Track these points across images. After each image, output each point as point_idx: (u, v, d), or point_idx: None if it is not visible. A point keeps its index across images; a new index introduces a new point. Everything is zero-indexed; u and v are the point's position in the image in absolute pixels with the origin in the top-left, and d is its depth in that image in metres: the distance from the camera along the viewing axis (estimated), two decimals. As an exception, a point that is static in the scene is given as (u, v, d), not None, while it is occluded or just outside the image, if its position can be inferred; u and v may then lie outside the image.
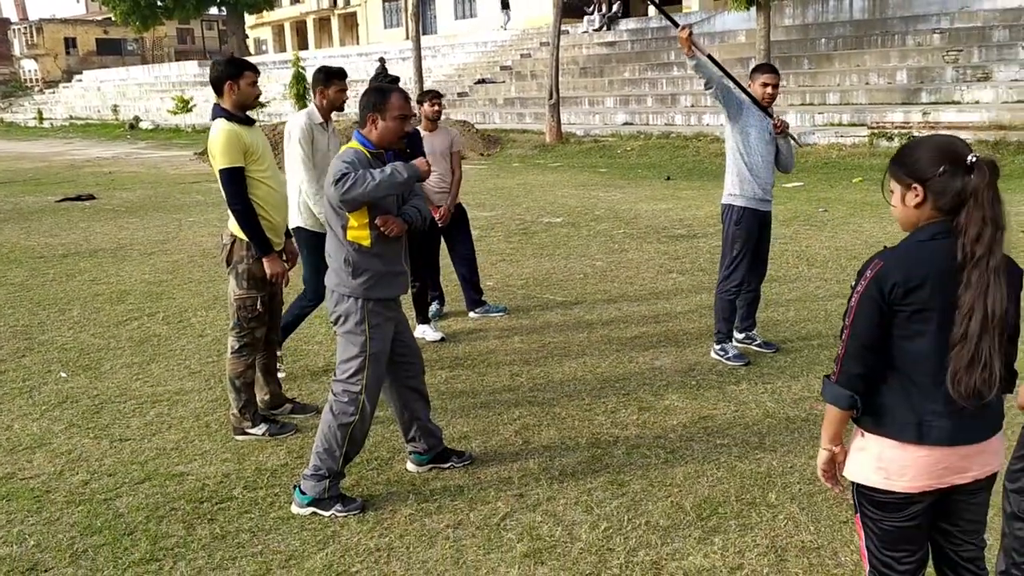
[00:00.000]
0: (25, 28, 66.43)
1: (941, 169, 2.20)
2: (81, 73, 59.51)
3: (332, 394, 3.85)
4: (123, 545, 3.60)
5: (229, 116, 4.46)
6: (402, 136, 3.80)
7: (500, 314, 6.92)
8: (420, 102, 6.63)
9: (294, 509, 3.84)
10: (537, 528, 3.64)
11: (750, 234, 5.58)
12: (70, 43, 65.68)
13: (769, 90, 5.47)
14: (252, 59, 47.84)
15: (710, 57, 5.52)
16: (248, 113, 4.59)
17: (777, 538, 3.51)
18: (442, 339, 6.28)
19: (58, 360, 6.12)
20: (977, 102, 18.22)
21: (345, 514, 3.77)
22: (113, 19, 53.17)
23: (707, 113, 21.21)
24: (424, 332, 6.25)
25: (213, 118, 4.52)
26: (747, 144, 5.50)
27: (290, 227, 5.06)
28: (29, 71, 64.79)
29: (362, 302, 3.77)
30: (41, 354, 6.26)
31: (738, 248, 5.60)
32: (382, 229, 3.72)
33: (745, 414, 4.81)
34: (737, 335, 5.97)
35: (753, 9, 18.11)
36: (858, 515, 2.48)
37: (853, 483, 2.44)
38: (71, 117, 46.18)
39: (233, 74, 4.46)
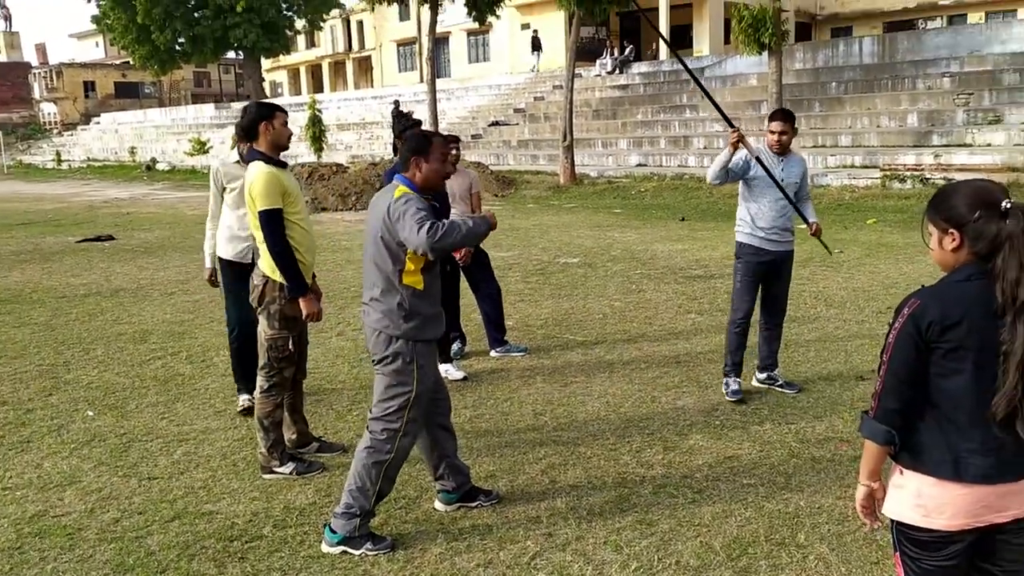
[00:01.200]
0: (45, 72, 67.64)
1: (977, 215, 2.25)
2: (99, 116, 60.45)
3: (369, 432, 3.88)
4: (156, 583, 3.62)
5: (267, 159, 4.55)
6: (444, 177, 3.90)
7: (521, 354, 6.96)
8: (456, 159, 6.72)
9: (324, 548, 3.86)
10: (567, 568, 3.65)
11: (748, 267, 5.72)
12: (89, 87, 66.78)
13: (775, 137, 5.58)
14: (267, 102, 48.48)
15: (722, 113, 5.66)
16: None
17: (809, 579, 3.50)
18: (464, 378, 6.32)
19: (84, 399, 6.18)
20: (989, 145, 18.32)
21: (376, 553, 3.79)
22: (132, 63, 54.14)
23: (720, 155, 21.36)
24: (447, 371, 6.29)
25: (248, 160, 4.62)
26: (751, 191, 5.69)
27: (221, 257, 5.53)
28: (48, 114, 65.86)
29: (412, 344, 3.82)
30: (68, 393, 6.33)
31: (737, 280, 5.80)
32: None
33: (770, 454, 4.81)
34: (759, 375, 6.00)
35: (764, 53, 18.32)
36: (897, 553, 2.49)
37: (892, 521, 2.46)
38: (89, 159, 46.83)
39: (266, 115, 4.58)
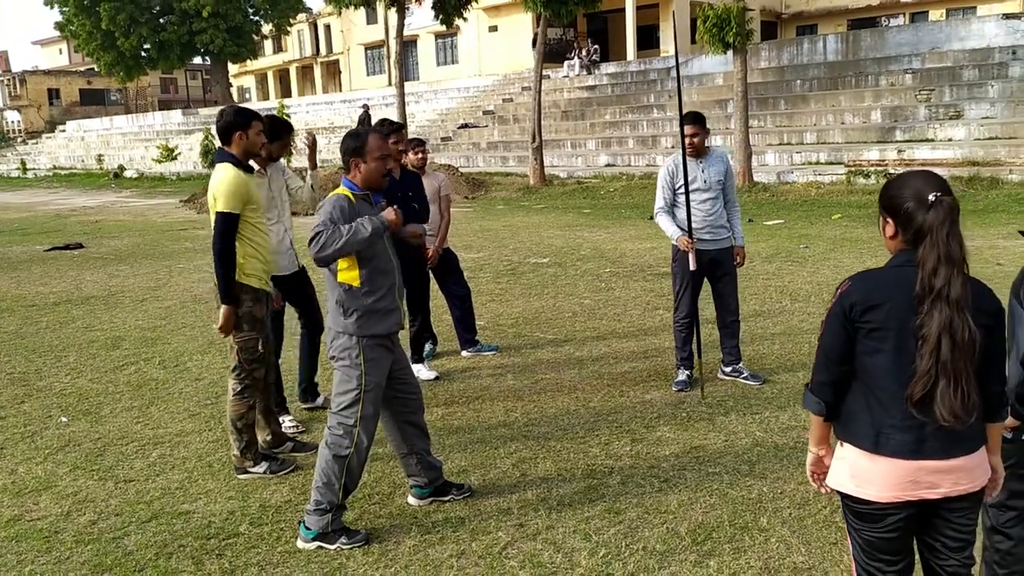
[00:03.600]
0: (8, 80, 66.73)
1: (906, 205, 2.39)
2: (64, 123, 59.77)
3: (328, 428, 3.98)
4: (134, 581, 3.68)
5: (235, 162, 4.61)
6: (385, 175, 3.99)
7: (492, 352, 7.06)
8: (404, 151, 6.75)
9: (300, 544, 3.93)
10: (538, 556, 3.75)
11: (685, 270, 5.92)
12: (53, 94, 65.99)
13: (687, 140, 5.79)
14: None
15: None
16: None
17: (770, 560, 3.64)
18: (436, 378, 6.41)
19: (57, 405, 6.19)
20: (950, 140, 18.71)
21: (350, 546, 3.87)
22: (97, 70, 53.62)
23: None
24: (419, 371, 6.36)
25: (215, 162, 4.67)
26: (676, 200, 5.92)
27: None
28: (12, 122, 64.99)
29: (356, 339, 3.92)
30: (40, 400, 6.34)
31: (677, 283, 6.06)
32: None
33: (735, 443, 4.95)
34: (724, 368, 6.16)
35: (730, 53, 18.57)
36: (847, 526, 2.63)
37: (837, 492, 2.59)
38: (55, 167, 46.33)
39: (242, 124, 4.62)
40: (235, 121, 4.62)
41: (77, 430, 5.66)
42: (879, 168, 17.74)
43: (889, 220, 2.45)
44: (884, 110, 20.98)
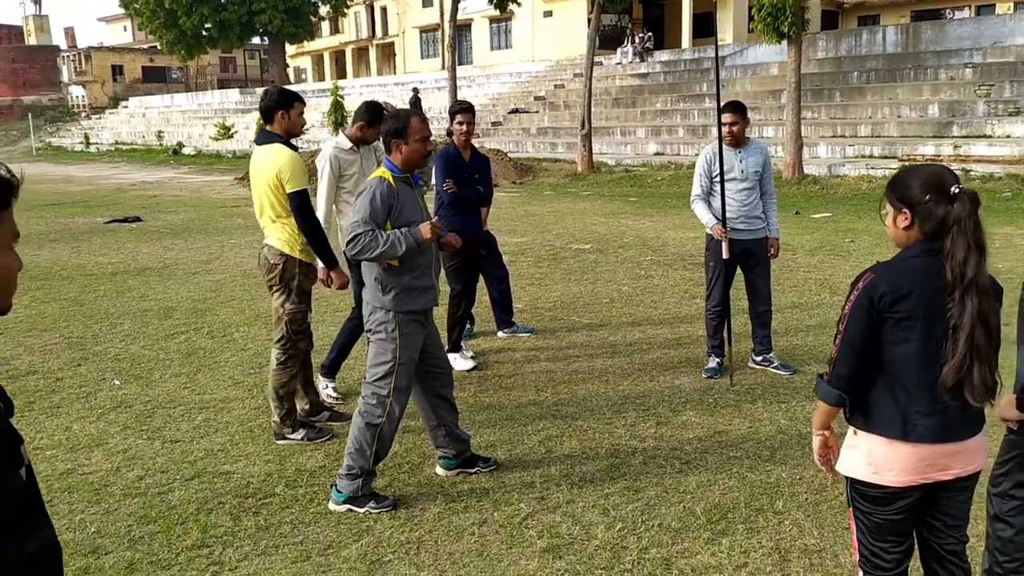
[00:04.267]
0: (74, 56, 68.41)
1: (928, 197, 2.47)
2: (127, 100, 61.14)
3: (362, 398, 4.17)
4: (176, 533, 3.92)
5: (284, 142, 4.81)
6: (426, 156, 4.14)
7: (528, 335, 7.20)
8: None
9: (331, 506, 4.14)
10: (556, 527, 3.91)
11: (718, 258, 5.98)
12: (117, 71, 67.47)
13: (726, 129, 5.87)
14: (292, 88, 48.87)
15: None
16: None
17: (782, 541, 3.74)
18: (474, 367, 6.33)
19: (111, 369, 6.50)
20: (1008, 136, 18.29)
21: (379, 511, 4.07)
22: (159, 48, 54.72)
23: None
24: (455, 360, 6.23)
25: (263, 142, 4.86)
26: (713, 187, 5.97)
27: None
28: (77, 97, 66.62)
29: (393, 314, 4.10)
30: (95, 363, 6.66)
31: (710, 272, 6.11)
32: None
33: (759, 430, 5.04)
34: (755, 357, 6.23)
35: (785, 42, 18.36)
36: (851, 509, 2.73)
37: (847, 478, 2.69)
38: (116, 142, 47.48)
39: (285, 104, 4.82)
40: (279, 101, 4.81)
41: (129, 393, 5.95)
42: (934, 163, 17.44)
43: (905, 211, 2.53)
44: (942, 104, 20.56)
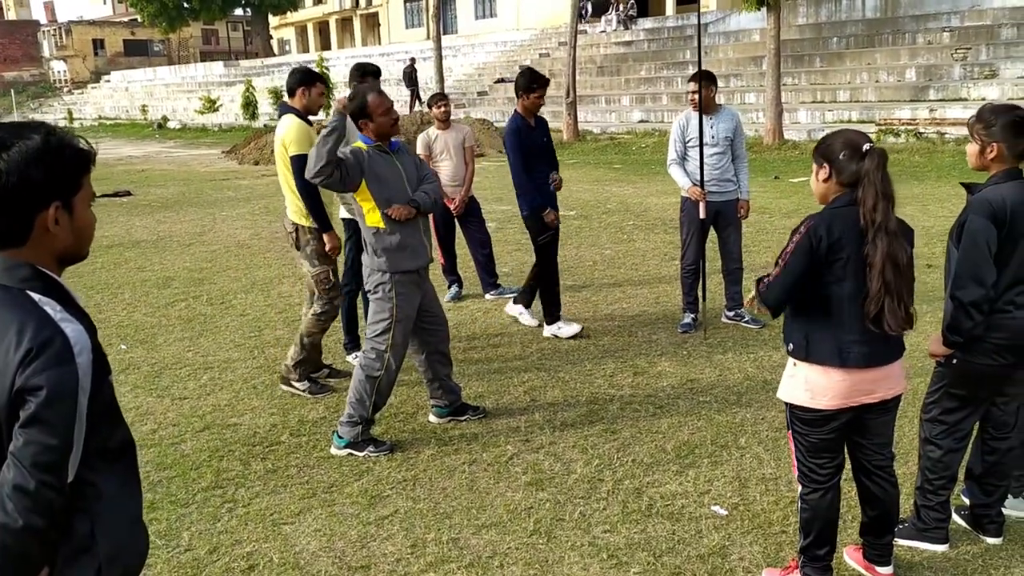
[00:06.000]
0: (54, 30, 67.81)
1: (843, 154, 2.84)
2: (109, 74, 60.78)
3: (362, 352, 4.53)
4: (191, 477, 4.29)
5: (297, 113, 5.18)
6: (393, 124, 4.44)
7: (512, 295, 7.55)
8: (429, 105, 7.37)
9: (333, 451, 4.51)
10: (539, 464, 4.29)
11: (691, 220, 6.34)
12: (98, 44, 66.96)
13: (689, 96, 6.24)
14: (275, 60, 48.75)
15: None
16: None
17: (742, 471, 4.14)
18: (578, 333, 6.43)
19: (116, 335, 6.83)
20: (983, 99, 18.62)
21: (377, 454, 4.44)
22: (140, 21, 54.34)
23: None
24: (560, 328, 6.39)
25: (281, 115, 5.25)
26: (687, 153, 6.34)
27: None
28: (58, 72, 66.14)
29: (388, 275, 4.44)
30: (101, 330, 6.85)
31: (684, 232, 6.46)
32: (391, 216, 4.37)
33: (727, 377, 5.43)
34: (727, 313, 6.61)
35: (764, 9, 18.60)
36: (790, 431, 3.11)
37: (786, 404, 3.07)
38: (100, 117, 47.34)
39: (307, 82, 5.22)
40: (301, 79, 5.21)
41: (135, 356, 6.29)
42: (910, 127, 17.80)
43: (825, 166, 2.90)
44: (919, 69, 20.88)
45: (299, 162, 5.04)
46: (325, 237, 5.23)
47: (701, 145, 6.15)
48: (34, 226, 1.74)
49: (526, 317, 6.81)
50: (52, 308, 1.70)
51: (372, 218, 4.44)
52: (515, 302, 6.91)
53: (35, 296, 1.71)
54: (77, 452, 1.69)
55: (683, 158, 6.35)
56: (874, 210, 2.79)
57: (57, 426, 1.64)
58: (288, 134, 5.11)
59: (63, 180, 1.77)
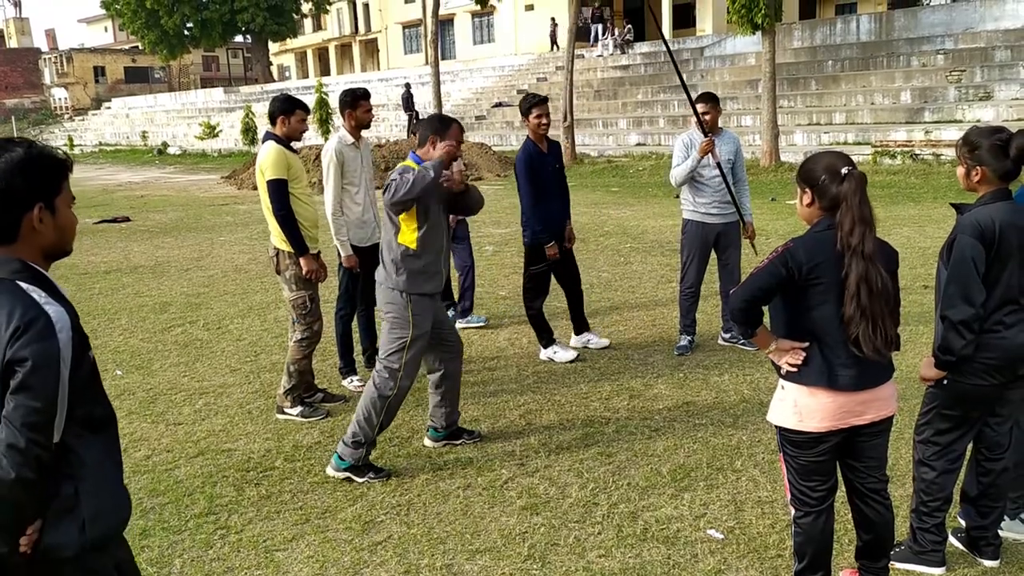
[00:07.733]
0: (55, 57, 68.24)
1: (823, 178, 2.85)
2: (110, 101, 61.13)
3: (375, 371, 4.52)
4: (184, 503, 4.27)
5: (277, 140, 5.24)
6: (452, 161, 4.43)
7: (482, 324, 7.49)
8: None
9: (329, 471, 4.48)
10: (534, 488, 4.27)
11: (693, 242, 6.37)
12: (99, 72, 67.37)
13: (706, 117, 6.22)
14: (275, 85, 49.05)
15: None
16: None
17: (738, 494, 4.12)
18: (607, 346, 6.69)
19: (112, 361, 6.82)
20: (978, 121, 18.72)
21: (376, 481, 4.41)
22: (141, 48, 54.73)
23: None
24: (590, 340, 6.68)
25: (263, 141, 5.33)
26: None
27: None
28: (59, 99, 66.49)
29: (405, 295, 4.45)
30: (97, 355, 6.81)
31: (685, 254, 6.46)
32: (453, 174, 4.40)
33: (724, 400, 5.42)
34: (724, 335, 6.60)
35: (759, 33, 18.75)
36: (781, 454, 3.10)
37: (776, 427, 3.06)
38: (101, 143, 47.57)
39: (287, 110, 5.28)
40: (281, 107, 5.28)
41: (131, 381, 6.27)
42: (905, 149, 17.89)
43: (807, 191, 2.91)
44: (914, 91, 21.01)
45: (275, 186, 5.11)
46: (302, 261, 5.23)
47: (717, 166, 6.13)
48: (22, 225, 2.01)
49: (594, 340, 6.73)
50: (38, 294, 1.95)
51: (407, 237, 4.44)
52: (576, 333, 6.80)
53: (24, 285, 1.96)
54: (61, 416, 1.94)
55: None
56: (851, 234, 2.79)
57: (41, 392, 1.89)
58: (266, 160, 5.17)
59: (44, 184, 2.05)
